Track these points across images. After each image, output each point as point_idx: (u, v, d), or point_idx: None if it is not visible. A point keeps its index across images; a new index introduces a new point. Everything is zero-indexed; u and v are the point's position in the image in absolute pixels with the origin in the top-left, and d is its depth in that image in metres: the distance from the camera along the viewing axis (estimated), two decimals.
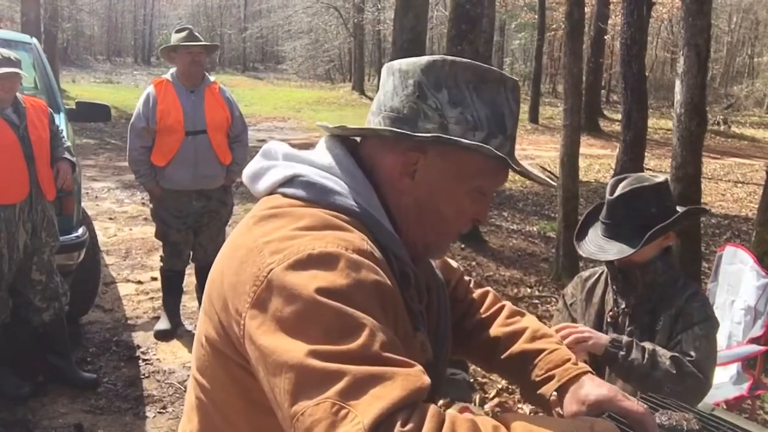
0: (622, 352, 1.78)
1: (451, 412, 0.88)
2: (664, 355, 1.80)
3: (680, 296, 1.93)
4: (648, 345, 1.83)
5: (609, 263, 2.00)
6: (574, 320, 2.16)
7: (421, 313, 1.06)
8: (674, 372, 1.76)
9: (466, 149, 0.99)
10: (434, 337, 1.13)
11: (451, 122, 1.00)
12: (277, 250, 0.90)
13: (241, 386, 0.96)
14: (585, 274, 2.18)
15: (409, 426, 0.77)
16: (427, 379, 0.84)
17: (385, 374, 0.81)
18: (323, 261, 0.88)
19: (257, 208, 1.03)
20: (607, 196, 1.96)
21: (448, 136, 0.98)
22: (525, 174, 1.07)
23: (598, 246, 1.95)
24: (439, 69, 1.02)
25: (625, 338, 1.83)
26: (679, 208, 1.98)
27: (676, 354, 1.81)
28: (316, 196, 0.99)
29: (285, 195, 1.01)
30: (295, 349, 0.83)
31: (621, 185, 1.95)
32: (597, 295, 2.09)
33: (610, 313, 2.04)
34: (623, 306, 2.01)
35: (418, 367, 0.85)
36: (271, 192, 1.04)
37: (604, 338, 1.81)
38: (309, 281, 0.86)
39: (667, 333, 1.92)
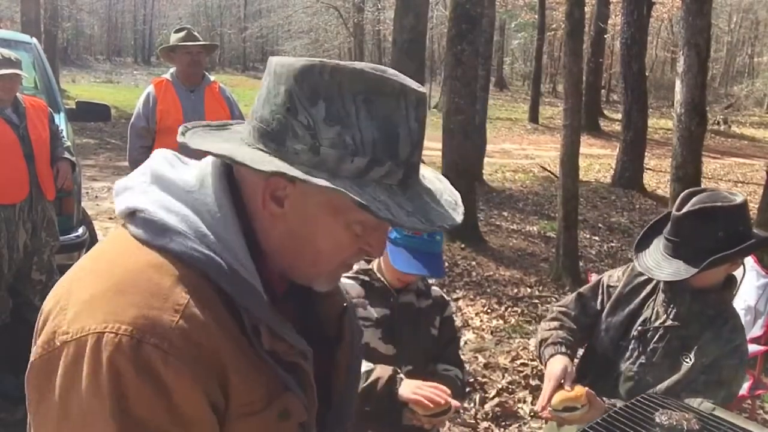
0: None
1: None
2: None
3: (722, 346, 1.81)
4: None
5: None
6: (601, 307, 2.02)
7: (294, 365, 0.91)
8: None
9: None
10: (345, 373, 1.07)
11: (324, 144, 0.83)
12: (71, 319, 0.79)
13: None
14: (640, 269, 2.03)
15: None
16: None
17: None
18: (100, 352, 0.75)
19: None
20: (674, 211, 1.81)
21: (291, 174, 0.81)
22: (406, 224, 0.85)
23: (656, 262, 1.82)
24: (317, 77, 0.83)
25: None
26: (759, 232, 1.83)
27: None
28: (153, 236, 0.84)
29: (128, 231, 0.88)
30: None
31: (691, 201, 1.79)
32: (639, 298, 1.97)
33: (640, 327, 1.93)
34: (659, 321, 1.90)
35: None
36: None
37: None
38: (72, 380, 0.77)
39: (690, 378, 1.82)
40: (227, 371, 0.82)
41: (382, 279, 1.93)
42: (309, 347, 0.93)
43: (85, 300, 0.80)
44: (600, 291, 2.06)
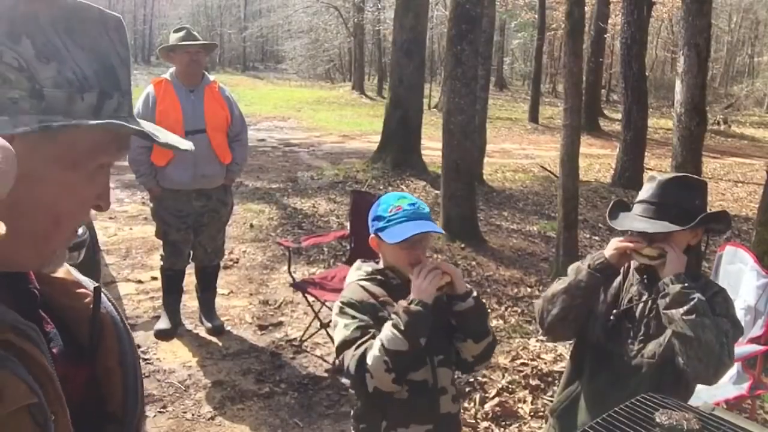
0: (689, 283, 1.84)
1: None
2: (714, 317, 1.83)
3: (703, 293, 1.89)
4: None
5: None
6: None
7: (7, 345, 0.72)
8: (714, 332, 1.77)
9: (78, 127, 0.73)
10: (122, 377, 0.90)
11: (47, 86, 0.72)
12: None
13: None
14: None
15: None
16: None
17: None
18: None
19: None
20: (659, 178, 2.04)
21: (47, 123, 0.71)
22: (148, 136, 0.81)
23: (636, 224, 1.99)
24: (12, 11, 0.73)
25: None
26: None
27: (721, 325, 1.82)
28: None
29: None
30: None
31: (671, 175, 2.07)
32: (617, 281, 2.09)
33: (626, 308, 2.02)
34: (644, 297, 2.01)
35: None
36: None
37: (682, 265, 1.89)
38: None
39: None
40: None
41: (397, 276, 1.94)
42: (31, 324, 0.75)
43: None
44: None
